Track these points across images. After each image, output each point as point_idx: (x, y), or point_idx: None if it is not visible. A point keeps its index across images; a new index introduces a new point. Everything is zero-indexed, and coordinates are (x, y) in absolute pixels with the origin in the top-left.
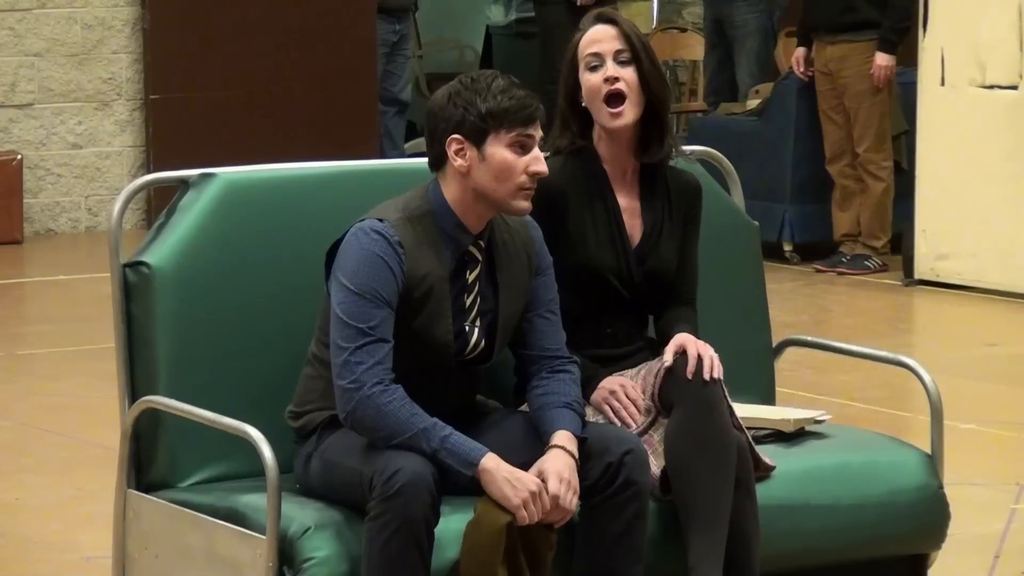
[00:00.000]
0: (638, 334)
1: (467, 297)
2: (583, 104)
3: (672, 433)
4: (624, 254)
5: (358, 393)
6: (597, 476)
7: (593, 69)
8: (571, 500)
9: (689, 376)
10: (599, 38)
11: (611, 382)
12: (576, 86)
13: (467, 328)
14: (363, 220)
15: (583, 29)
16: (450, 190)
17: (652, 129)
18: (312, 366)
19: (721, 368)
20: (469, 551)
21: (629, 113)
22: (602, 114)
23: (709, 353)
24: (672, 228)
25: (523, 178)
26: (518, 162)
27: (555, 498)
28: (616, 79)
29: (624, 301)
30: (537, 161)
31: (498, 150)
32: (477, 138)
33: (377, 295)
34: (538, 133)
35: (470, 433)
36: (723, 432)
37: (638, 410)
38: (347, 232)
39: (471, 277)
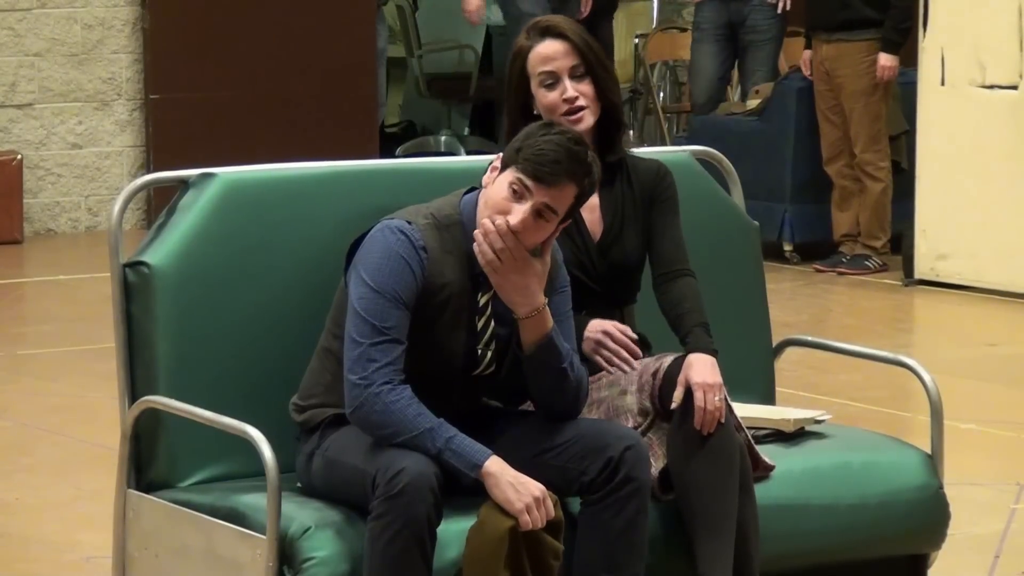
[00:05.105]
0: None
1: (479, 320)
2: (535, 112)
3: (674, 440)
4: (585, 249)
5: (367, 390)
6: (597, 472)
7: (549, 87)
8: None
9: (698, 426)
10: (551, 55)
11: (595, 328)
12: (528, 97)
13: (480, 352)
14: (391, 219)
15: (530, 41)
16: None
17: (608, 129)
18: (320, 359)
19: (725, 408)
20: (471, 555)
21: (588, 119)
22: (562, 125)
23: (715, 401)
24: (636, 217)
25: (499, 220)
26: (505, 204)
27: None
28: (575, 98)
29: (594, 294)
30: (516, 215)
31: (503, 182)
32: (504, 166)
33: (396, 295)
34: (544, 200)
35: (474, 436)
36: (727, 438)
37: (630, 355)
38: (372, 228)
39: (483, 300)
